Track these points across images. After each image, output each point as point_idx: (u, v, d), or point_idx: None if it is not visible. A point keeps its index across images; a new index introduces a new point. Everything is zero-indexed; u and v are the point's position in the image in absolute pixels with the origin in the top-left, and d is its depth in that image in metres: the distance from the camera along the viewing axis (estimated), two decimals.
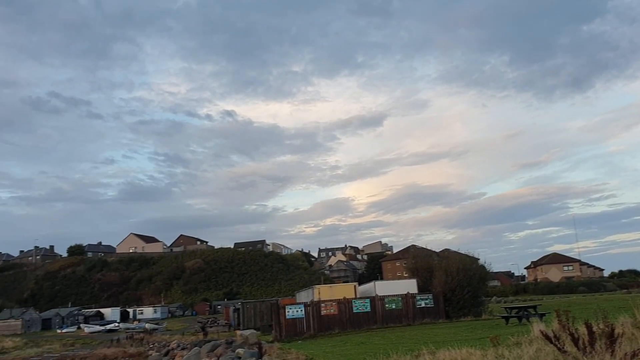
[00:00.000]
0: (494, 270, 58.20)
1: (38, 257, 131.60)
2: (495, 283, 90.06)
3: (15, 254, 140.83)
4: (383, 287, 33.33)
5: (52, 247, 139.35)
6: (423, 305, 30.50)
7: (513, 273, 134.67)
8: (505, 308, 26.80)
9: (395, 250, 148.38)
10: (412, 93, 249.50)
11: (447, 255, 42.40)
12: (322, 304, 28.72)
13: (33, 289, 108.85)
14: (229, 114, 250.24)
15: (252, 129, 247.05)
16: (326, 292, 33.78)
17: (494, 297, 62.67)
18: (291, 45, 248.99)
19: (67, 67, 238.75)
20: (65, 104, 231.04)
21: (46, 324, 67.03)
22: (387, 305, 29.67)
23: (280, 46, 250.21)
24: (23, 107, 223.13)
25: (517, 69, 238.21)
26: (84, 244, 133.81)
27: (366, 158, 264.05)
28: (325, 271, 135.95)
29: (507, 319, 23.77)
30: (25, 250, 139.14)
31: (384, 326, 28.50)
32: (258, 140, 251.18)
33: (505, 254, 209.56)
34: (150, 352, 33.66)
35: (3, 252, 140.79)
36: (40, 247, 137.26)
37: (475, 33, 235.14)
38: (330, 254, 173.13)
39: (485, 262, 38.44)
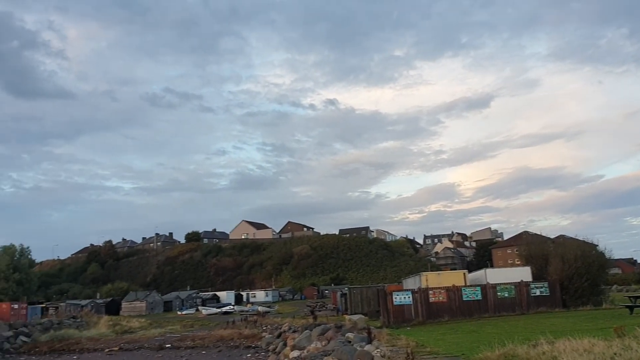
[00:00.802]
0: (615, 257, 54.36)
1: (159, 243, 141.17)
2: (616, 271, 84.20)
3: (139, 240, 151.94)
4: (494, 275, 32.36)
5: (171, 234, 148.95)
6: (538, 293, 29.18)
7: (636, 260, 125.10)
8: (629, 297, 25.08)
9: (505, 237, 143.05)
10: (521, 72, 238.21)
11: (562, 241, 40.30)
12: (430, 291, 28.37)
13: (155, 273, 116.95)
14: (332, 102, 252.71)
15: (354, 117, 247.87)
16: (434, 280, 33.33)
17: (615, 286, 58.65)
18: (392, 29, 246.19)
19: (179, 63, 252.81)
20: (178, 98, 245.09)
21: (167, 306, 71.80)
22: (499, 293, 28.72)
23: (381, 31, 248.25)
24: (141, 103, 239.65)
25: (636, 42, 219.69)
26: (200, 231, 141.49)
27: (472, 141, 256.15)
28: (432, 258, 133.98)
29: (631, 308, 22.21)
30: (147, 237, 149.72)
31: (495, 315, 27.66)
32: (360, 128, 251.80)
33: (627, 240, 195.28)
34: (264, 334, 35.12)
35: (127, 239, 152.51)
36: (161, 234, 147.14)
37: (588, 6, 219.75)
38: (436, 240, 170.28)
39: (604, 249, 36.07)
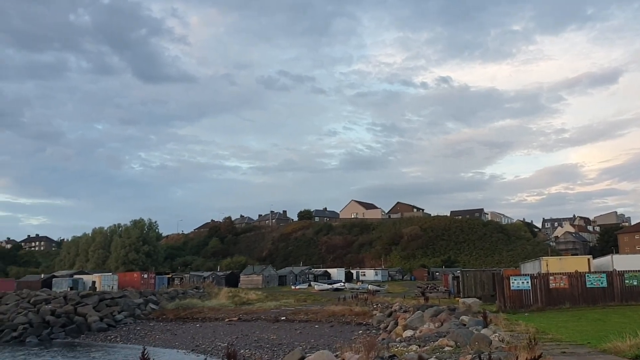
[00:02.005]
0: None
1: (273, 220, 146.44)
2: None
3: (255, 217, 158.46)
4: (622, 261, 30.19)
5: (285, 211, 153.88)
6: None
7: None
8: None
9: (633, 222, 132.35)
10: None
11: None
12: (551, 277, 27.01)
13: (270, 249, 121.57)
14: (444, 80, 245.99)
15: (468, 94, 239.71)
16: (555, 265, 31.74)
17: None
18: (510, 3, 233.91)
19: (293, 46, 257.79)
20: (292, 81, 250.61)
21: (282, 280, 74.53)
22: (627, 281, 26.72)
23: (497, 5, 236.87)
24: (257, 86, 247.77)
25: None
26: (312, 210, 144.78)
27: (598, 119, 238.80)
28: (551, 243, 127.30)
29: None
30: (263, 215, 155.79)
31: (622, 303, 25.81)
32: (475, 105, 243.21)
33: None
34: (374, 312, 35.44)
35: (245, 216, 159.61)
36: (275, 211, 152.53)
37: None
38: (556, 224, 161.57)
39: None
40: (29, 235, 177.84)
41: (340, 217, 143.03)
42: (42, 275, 71.22)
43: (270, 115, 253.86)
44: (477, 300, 28.42)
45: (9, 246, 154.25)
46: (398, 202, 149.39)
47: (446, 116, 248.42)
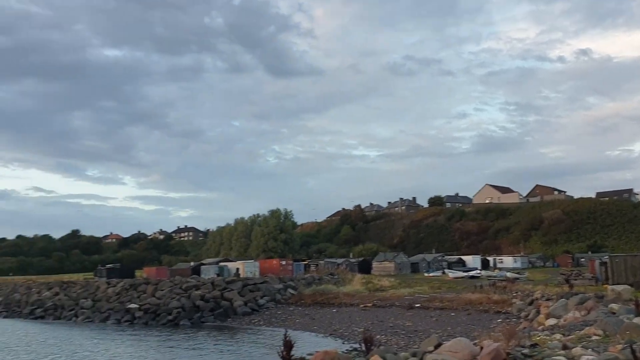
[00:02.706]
0: None
1: (403, 207, 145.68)
2: None
3: (384, 205, 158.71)
4: None
5: (414, 198, 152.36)
6: None
7: None
8: None
9: None
10: None
11: None
12: None
13: (401, 236, 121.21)
14: (584, 52, 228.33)
15: (612, 66, 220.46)
16: None
17: None
18: None
19: (418, 29, 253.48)
20: (418, 65, 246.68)
21: (414, 267, 74.01)
22: None
23: None
24: (383, 73, 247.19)
25: None
26: (442, 195, 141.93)
27: None
28: None
29: None
30: (392, 202, 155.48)
31: None
32: (619, 78, 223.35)
33: None
34: (514, 300, 34.05)
35: (374, 204, 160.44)
36: (404, 198, 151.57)
37: None
38: None
39: None
40: (178, 227, 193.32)
41: (474, 202, 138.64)
42: (192, 263, 77.13)
43: (396, 102, 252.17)
44: (628, 287, 26.24)
45: (161, 237, 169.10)
46: (537, 185, 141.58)
47: (587, 91, 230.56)
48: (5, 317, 50.85)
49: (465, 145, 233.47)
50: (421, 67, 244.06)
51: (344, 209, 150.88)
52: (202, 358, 23.65)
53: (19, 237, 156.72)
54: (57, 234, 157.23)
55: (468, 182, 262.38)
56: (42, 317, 47.71)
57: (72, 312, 46.36)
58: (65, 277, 72.78)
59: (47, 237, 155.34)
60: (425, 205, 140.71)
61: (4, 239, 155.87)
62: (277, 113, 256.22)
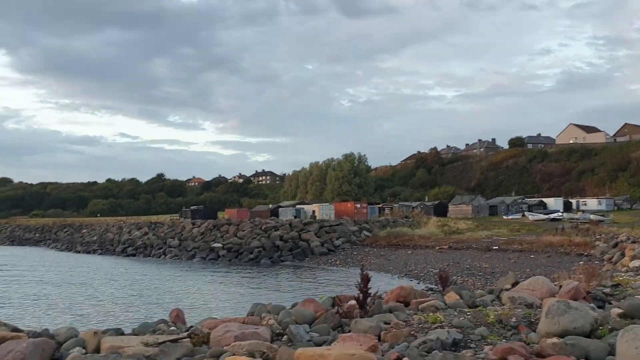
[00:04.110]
0: None
1: (481, 149, 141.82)
2: None
3: (462, 147, 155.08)
4: None
5: (493, 139, 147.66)
6: None
7: None
8: None
9: None
10: None
11: None
12: None
13: (479, 179, 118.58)
14: None
15: None
16: None
17: None
18: None
19: None
20: None
21: (492, 210, 72.68)
22: None
23: None
24: (461, 8, 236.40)
25: None
26: (524, 136, 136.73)
27: None
28: None
29: None
30: (470, 144, 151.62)
31: None
32: None
33: None
34: (597, 242, 33.00)
35: (451, 146, 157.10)
36: (483, 140, 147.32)
37: None
38: None
39: None
40: (256, 171, 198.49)
41: (557, 142, 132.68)
42: (270, 206, 79.47)
43: (475, 39, 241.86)
44: None
45: (240, 180, 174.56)
46: (626, 124, 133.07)
47: None
48: (100, 254, 54.93)
49: (549, 83, 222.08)
50: (502, 1, 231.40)
51: (419, 152, 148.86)
52: (282, 294, 24.75)
53: (108, 180, 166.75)
54: (143, 178, 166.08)
55: (551, 122, 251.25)
56: (133, 255, 51.22)
57: (161, 250, 49.40)
58: (153, 218, 77.18)
59: (134, 181, 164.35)
60: (505, 146, 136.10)
61: (95, 183, 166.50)
62: (351, 55, 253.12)
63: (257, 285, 29.18)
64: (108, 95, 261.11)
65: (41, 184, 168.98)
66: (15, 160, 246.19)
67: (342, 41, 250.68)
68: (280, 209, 68.39)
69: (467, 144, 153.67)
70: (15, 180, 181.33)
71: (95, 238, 62.03)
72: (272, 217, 58.30)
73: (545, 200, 77.78)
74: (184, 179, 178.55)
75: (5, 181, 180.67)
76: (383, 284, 24.20)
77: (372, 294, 8.50)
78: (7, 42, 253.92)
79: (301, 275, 33.46)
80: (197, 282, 31.09)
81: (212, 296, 25.30)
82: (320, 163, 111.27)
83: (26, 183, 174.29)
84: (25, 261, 48.10)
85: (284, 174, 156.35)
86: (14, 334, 7.82)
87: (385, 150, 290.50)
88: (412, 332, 7.13)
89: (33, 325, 15.31)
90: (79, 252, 58.63)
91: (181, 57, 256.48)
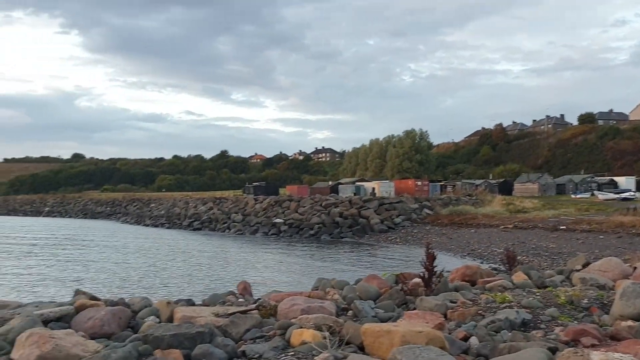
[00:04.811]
0: None
1: (549, 125, 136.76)
2: None
3: (528, 123, 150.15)
4: None
5: (562, 115, 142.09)
6: None
7: None
8: None
9: None
10: None
11: None
12: None
13: (546, 156, 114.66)
14: None
15: None
16: None
17: None
18: None
19: None
20: None
21: (560, 189, 70.28)
22: None
23: None
24: None
25: None
26: (594, 112, 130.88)
27: None
28: None
29: None
30: (537, 120, 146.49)
31: None
32: None
33: None
34: None
35: (517, 122, 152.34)
36: (551, 116, 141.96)
37: None
38: None
39: None
40: (316, 148, 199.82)
41: (630, 119, 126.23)
42: (330, 183, 79.98)
43: (544, 10, 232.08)
44: None
45: (301, 157, 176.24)
46: None
47: None
48: (167, 228, 57.06)
49: (623, 56, 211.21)
50: None
51: (483, 128, 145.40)
52: (342, 270, 24.97)
53: (175, 157, 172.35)
54: (207, 154, 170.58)
55: (624, 97, 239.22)
56: (199, 229, 52.91)
57: (225, 224, 50.77)
58: (217, 193, 79.22)
59: (199, 157, 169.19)
60: (575, 122, 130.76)
61: (162, 159, 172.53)
62: (413, 29, 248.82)
63: (318, 261, 29.54)
64: (173, 74, 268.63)
65: (111, 159, 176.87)
66: (87, 137, 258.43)
67: (404, 15, 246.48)
68: (339, 186, 68.63)
69: (534, 120, 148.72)
70: (87, 156, 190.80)
71: (162, 212, 64.47)
72: (332, 194, 58.62)
73: (616, 179, 74.50)
74: (247, 156, 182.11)
75: (78, 157, 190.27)
76: (445, 262, 23.98)
77: (437, 272, 8.46)
78: (79, 23, 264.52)
79: (361, 252, 33.61)
80: (260, 257, 31.82)
81: (275, 270, 25.85)
82: (381, 140, 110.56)
83: (97, 159, 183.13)
84: (97, 233, 50.61)
85: (344, 151, 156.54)
86: (93, 302, 8.27)
87: (448, 126, 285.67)
88: (479, 312, 7.07)
89: (107, 294, 16.16)
90: (147, 225, 61.19)
91: (244, 34, 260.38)
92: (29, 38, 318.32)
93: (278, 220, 46.75)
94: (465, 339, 5.88)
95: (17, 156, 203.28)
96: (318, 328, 6.29)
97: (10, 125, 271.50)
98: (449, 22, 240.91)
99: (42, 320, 7.10)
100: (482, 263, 25.57)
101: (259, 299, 9.15)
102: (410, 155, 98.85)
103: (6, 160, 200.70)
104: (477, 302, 7.67)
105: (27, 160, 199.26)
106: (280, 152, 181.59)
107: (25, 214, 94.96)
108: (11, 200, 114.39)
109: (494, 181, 75.06)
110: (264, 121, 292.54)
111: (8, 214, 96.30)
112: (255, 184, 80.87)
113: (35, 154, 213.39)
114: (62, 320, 7.36)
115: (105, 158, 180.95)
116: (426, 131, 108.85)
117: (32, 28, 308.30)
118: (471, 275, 9.87)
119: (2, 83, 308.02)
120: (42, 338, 5.76)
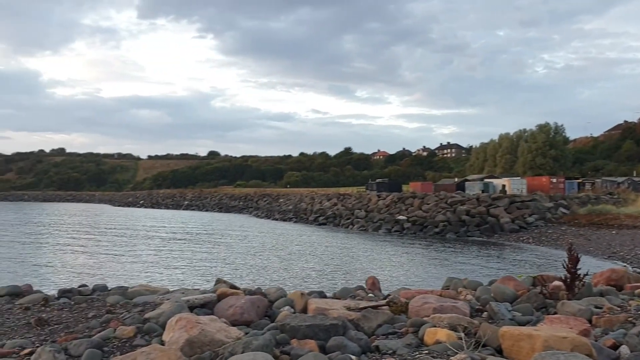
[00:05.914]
0: None
1: None
2: None
3: None
4: None
5: None
6: None
7: None
8: None
9: None
10: None
11: None
12: None
13: None
14: None
15: None
16: None
17: None
18: None
19: None
20: None
21: None
22: None
23: None
24: None
25: None
26: None
27: None
28: None
29: None
30: None
31: None
32: None
33: None
34: None
35: None
36: None
37: None
38: None
39: None
40: (441, 144, 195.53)
41: None
42: (455, 179, 77.81)
43: None
44: None
45: (424, 154, 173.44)
46: None
47: None
48: (294, 222, 59.02)
49: None
50: None
51: (626, 121, 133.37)
52: (472, 269, 24.25)
53: (301, 154, 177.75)
54: (332, 152, 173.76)
55: None
56: (324, 224, 54.09)
57: (349, 220, 51.39)
58: (341, 189, 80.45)
59: (324, 154, 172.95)
60: None
61: (289, 156, 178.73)
62: (547, 18, 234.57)
63: (445, 260, 28.93)
64: (301, 73, 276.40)
65: (243, 157, 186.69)
66: (222, 136, 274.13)
67: (537, 4, 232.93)
68: (466, 182, 66.51)
69: None
70: (222, 154, 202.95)
71: (290, 207, 66.79)
72: (458, 191, 57.02)
73: None
74: (369, 153, 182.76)
75: (214, 154, 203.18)
76: (585, 265, 22.45)
77: (580, 275, 7.94)
78: (214, 28, 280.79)
79: (490, 252, 32.40)
80: (385, 253, 31.83)
81: (400, 267, 25.72)
82: (511, 134, 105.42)
83: (231, 156, 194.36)
84: (234, 226, 53.62)
85: (470, 147, 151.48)
86: (233, 290, 8.78)
87: (585, 119, 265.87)
88: (629, 319, 6.55)
89: (242, 283, 17.05)
90: (277, 219, 63.76)
91: (369, 32, 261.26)
92: (170, 43, 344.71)
93: (401, 217, 46.39)
94: (614, 347, 5.49)
95: (159, 153, 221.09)
96: (452, 328, 6.18)
97: (155, 125, 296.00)
98: (587, 9, 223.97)
99: (189, 306, 7.67)
100: (625, 266, 23.63)
101: (389, 295, 9.17)
102: (544, 150, 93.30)
103: (150, 157, 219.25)
104: (625, 308, 7.12)
105: (168, 157, 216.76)
106: (404, 149, 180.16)
107: (167, 207, 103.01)
108: (154, 194, 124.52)
109: (638, 179, 68.77)
110: (388, 117, 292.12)
111: (152, 207, 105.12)
112: (378, 180, 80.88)
113: (176, 151, 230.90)
114: (205, 306, 7.91)
115: (237, 155, 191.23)
116: (562, 125, 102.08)
117: (172, 34, 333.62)
118: (617, 280, 9.15)
119: (149, 86, 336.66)
120: (189, 323, 6.23)
